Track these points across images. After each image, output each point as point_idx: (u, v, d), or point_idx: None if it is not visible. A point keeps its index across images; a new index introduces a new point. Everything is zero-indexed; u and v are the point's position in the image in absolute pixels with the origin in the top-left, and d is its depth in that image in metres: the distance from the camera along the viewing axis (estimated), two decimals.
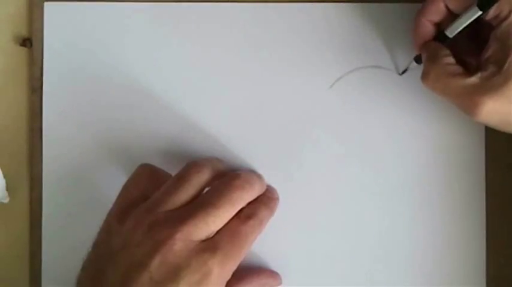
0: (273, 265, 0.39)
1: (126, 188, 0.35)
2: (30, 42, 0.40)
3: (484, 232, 0.39)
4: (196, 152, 0.39)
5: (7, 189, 0.40)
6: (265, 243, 0.38)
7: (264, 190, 0.37)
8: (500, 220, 0.39)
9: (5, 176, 0.40)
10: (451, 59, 0.34)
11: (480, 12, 0.33)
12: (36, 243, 0.40)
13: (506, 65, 0.32)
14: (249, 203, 0.34)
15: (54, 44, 0.40)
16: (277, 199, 0.38)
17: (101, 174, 0.40)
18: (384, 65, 0.39)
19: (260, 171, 0.39)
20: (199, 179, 0.34)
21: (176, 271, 0.30)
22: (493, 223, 0.39)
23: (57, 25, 0.40)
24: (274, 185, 0.38)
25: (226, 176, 0.34)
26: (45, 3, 0.40)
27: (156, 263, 0.30)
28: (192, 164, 0.34)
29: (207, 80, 0.40)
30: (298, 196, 0.39)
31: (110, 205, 0.34)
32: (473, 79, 0.32)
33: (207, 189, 0.34)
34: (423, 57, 0.36)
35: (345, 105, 0.39)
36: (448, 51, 0.35)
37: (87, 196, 0.40)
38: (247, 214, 0.33)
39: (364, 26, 0.39)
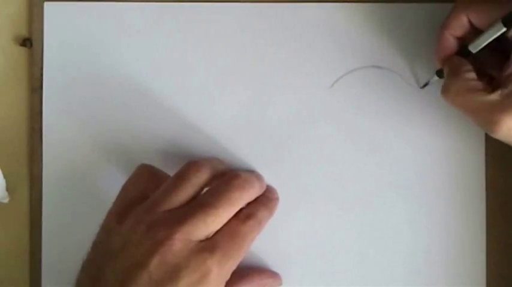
0: (273, 265, 0.39)
1: (125, 188, 0.35)
2: (30, 42, 0.40)
3: (484, 232, 0.39)
4: (196, 152, 0.39)
5: (7, 189, 0.40)
6: (265, 243, 0.38)
7: (263, 190, 0.37)
8: (500, 220, 0.39)
9: (5, 176, 0.40)
10: (472, 75, 0.33)
11: (504, 29, 0.32)
12: (36, 243, 0.40)
13: None
14: (249, 204, 0.34)
15: (54, 44, 0.40)
16: (277, 199, 0.38)
17: (100, 174, 0.40)
18: (385, 66, 0.39)
19: (260, 171, 0.39)
20: (199, 179, 0.34)
21: (175, 270, 0.30)
22: (493, 223, 0.39)
23: (57, 25, 0.40)
24: (274, 185, 0.38)
25: (226, 176, 0.34)
26: (45, 3, 0.40)
27: (155, 263, 0.30)
28: (191, 163, 0.34)
29: (207, 79, 0.40)
30: (298, 196, 0.39)
31: (109, 205, 0.34)
32: (493, 96, 0.32)
33: (206, 189, 0.34)
34: (445, 72, 0.35)
35: (346, 105, 0.39)
36: (469, 66, 0.34)
37: (87, 196, 0.40)
38: (247, 214, 0.34)
39: (365, 26, 0.39)
